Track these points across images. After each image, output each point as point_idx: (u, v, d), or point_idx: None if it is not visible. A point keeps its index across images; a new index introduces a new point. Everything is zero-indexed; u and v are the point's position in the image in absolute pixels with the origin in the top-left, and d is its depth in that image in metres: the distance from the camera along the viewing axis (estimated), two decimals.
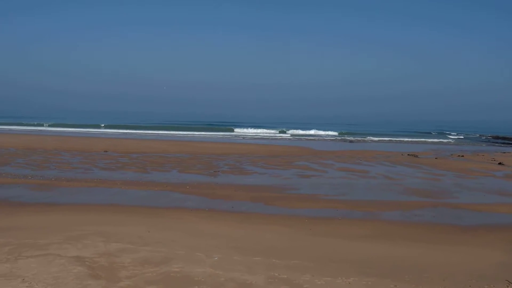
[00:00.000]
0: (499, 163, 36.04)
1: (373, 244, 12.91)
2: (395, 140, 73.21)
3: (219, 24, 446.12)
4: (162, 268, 9.50)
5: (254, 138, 72.35)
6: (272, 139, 70.61)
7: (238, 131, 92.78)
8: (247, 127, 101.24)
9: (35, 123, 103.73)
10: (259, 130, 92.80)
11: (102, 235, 12.20)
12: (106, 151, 39.01)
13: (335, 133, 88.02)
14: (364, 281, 9.27)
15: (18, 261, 9.84)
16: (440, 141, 74.97)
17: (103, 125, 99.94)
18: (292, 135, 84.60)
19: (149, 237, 12.28)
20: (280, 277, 9.22)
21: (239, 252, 11.02)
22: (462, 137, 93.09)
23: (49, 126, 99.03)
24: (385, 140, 73.11)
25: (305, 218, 16.04)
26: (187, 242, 11.80)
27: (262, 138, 71.26)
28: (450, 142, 75.29)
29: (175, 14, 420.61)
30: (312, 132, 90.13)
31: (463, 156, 43.23)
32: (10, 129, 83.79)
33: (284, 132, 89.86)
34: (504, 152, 50.18)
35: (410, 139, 77.00)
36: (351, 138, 76.63)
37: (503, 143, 73.20)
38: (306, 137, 77.36)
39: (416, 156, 40.82)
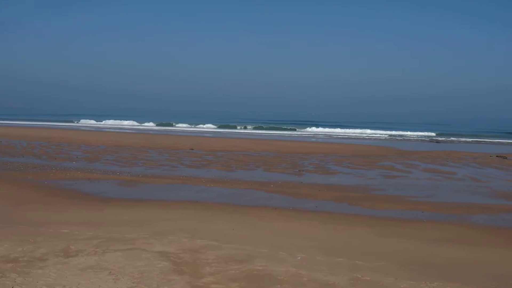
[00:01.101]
0: None
1: (458, 248, 12.49)
2: (483, 141, 70.78)
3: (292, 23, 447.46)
4: (245, 266, 9.55)
5: (338, 137, 71.71)
6: (355, 138, 69.85)
7: (322, 130, 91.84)
8: (330, 126, 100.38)
9: (118, 123, 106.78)
10: (341, 130, 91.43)
11: (187, 231, 12.38)
12: (192, 149, 39.63)
13: (423, 133, 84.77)
14: (448, 287, 9.04)
15: (106, 254, 10.12)
16: None
17: (187, 124, 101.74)
18: (376, 134, 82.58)
19: (233, 234, 12.37)
20: (363, 279, 9.10)
21: (322, 252, 10.94)
22: None
23: (139, 124, 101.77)
24: (472, 141, 70.86)
25: (389, 219, 15.75)
26: (270, 241, 11.82)
27: (348, 138, 70.53)
28: None
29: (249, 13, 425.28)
30: (395, 132, 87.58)
31: None
32: (98, 127, 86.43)
33: (366, 132, 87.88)
34: None
35: (498, 140, 74.00)
36: (438, 138, 74.32)
37: None
38: (391, 137, 75.60)
39: (505, 158, 39.25)
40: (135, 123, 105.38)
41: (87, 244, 10.91)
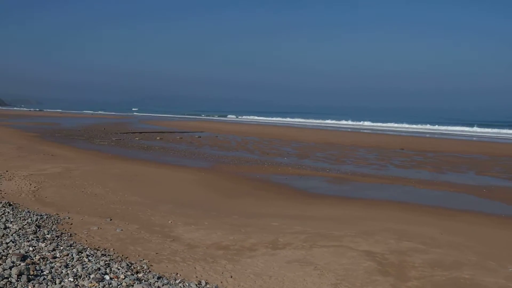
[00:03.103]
0: None
1: None
2: None
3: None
4: (451, 273, 9.29)
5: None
6: None
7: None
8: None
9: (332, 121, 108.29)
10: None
11: (393, 232, 12.30)
12: (402, 149, 39.15)
13: None
14: None
15: (312, 249, 10.39)
16: None
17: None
18: None
19: (441, 239, 12.05)
20: None
21: None
22: None
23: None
24: None
25: None
26: (479, 249, 11.34)
27: None
28: None
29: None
30: None
31: None
32: (314, 125, 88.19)
33: None
34: None
35: None
36: None
37: None
38: None
39: None
40: (350, 122, 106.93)
41: (295, 238, 11.28)
